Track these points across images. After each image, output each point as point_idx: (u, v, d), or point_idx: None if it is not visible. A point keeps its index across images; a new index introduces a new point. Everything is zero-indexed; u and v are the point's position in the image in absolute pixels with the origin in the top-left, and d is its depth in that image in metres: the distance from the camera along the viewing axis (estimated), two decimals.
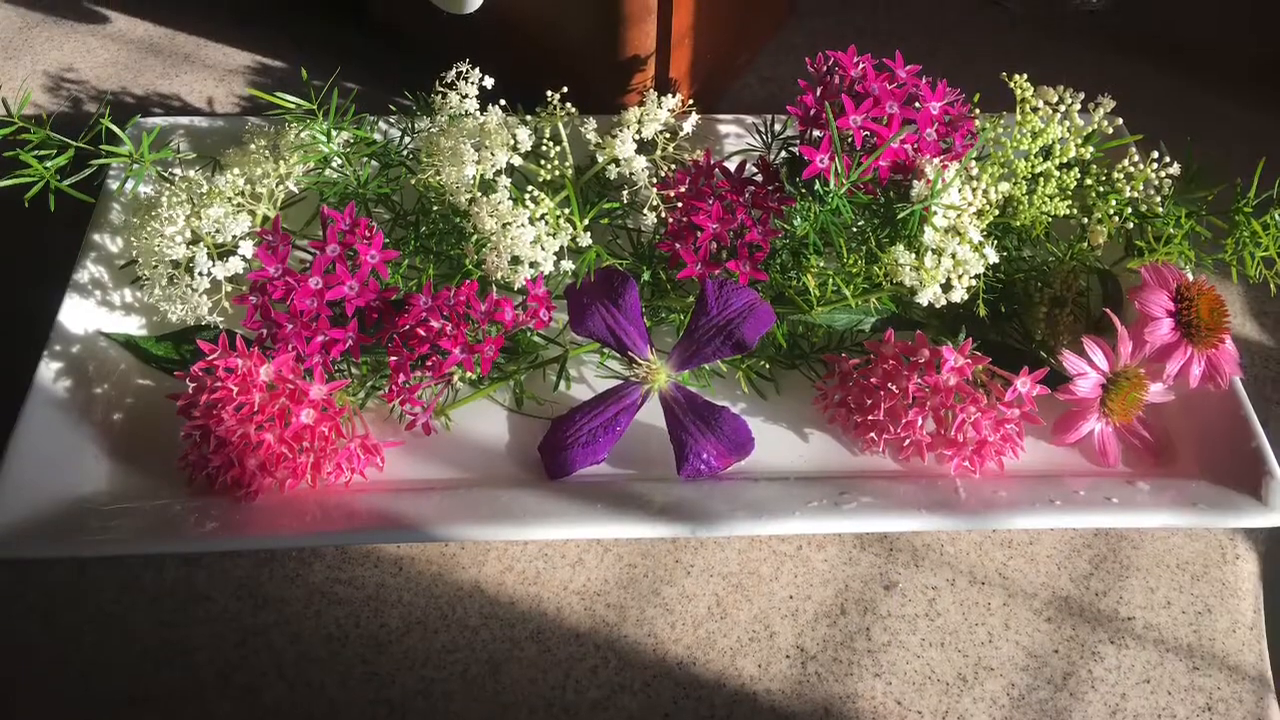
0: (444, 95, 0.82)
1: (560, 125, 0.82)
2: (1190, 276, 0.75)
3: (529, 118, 0.82)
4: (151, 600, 0.68)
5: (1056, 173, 0.79)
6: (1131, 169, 0.80)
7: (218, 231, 0.74)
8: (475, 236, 0.75)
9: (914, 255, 0.71)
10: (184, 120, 0.89)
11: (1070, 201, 0.79)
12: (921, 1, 1.15)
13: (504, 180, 0.75)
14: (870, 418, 0.71)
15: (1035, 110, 0.80)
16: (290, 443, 0.68)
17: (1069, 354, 0.72)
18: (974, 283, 0.72)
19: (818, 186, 0.75)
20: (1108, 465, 0.74)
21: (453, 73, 0.82)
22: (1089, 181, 0.80)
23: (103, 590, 0.68)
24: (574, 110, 0.82)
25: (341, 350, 0.70)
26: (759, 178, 0.77)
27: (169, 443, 0.71)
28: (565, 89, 0.82)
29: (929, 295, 0.71)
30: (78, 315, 0.76)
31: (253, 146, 0.80)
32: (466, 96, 0.81)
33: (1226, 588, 0.71)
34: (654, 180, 0.80)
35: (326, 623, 0.68)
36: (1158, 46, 1.11)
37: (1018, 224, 0.79)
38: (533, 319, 0.72)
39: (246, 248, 0.73)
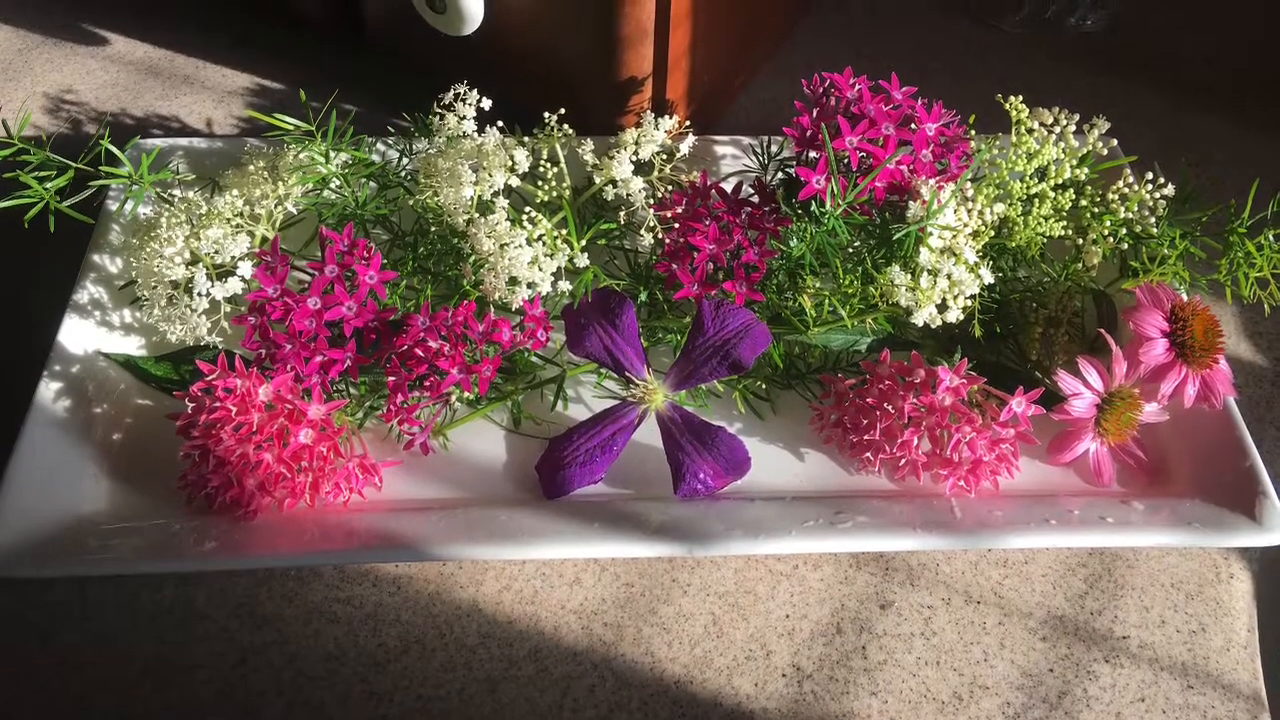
0: (442, 117, 0.82)
1: (558, 146, 0.82)
2: (1185, 297, 0.75)
3: (526, 139, 0.83)
4: (150, 619, 0.68)
5: (1051, 194, 0.79)
6: (1126, 190, 0.80)
7: (216, 252, 0.74)
8: (473, 257, 0.76)
9: (910, 276, 0.72)
10: (183, 141, 0.89)
11: (1065, 222, 0.79)
12: (917, 24, 1.16)
13: (502, 201, 0.76)
14: (866, 437, 0.72)
15: (1030, 131, 0.80)
16: (289, 462, 0.68)
17: (1064, 374, 0.72)
18: (969, 303, 0.72)
19: (814, 207, 0.75)
20: (1102, 485, 0.74)
21: (450, 94, 0.82)
22: (1084, 202, 0.80)
23: (102, 609, 0.69)
24: (571, 131, 0.83)
25: (340, 370, 0.70)
26: (755, 199, 0.77)
27: (168, 462, 0.71)
28: (563, 110, 0.83)
29: (924, 316, 0.71)
30: (77, 335, 0.77)
31: (251, 168, 0.80)
32: (464, 118, 0.82)
33: (1221, 607, 0.71)
34: (651, 201, 0.81)
35: (325, 641, 0.68)
36: (1153, 67, 1.12)
37: (1013, 245, 0.79)
38: (530, 339, 0.72)
39: (245, 268, 0.74)
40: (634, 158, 0.80)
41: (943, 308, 0.72)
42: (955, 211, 0.74)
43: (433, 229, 0.80)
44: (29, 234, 0.76)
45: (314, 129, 0.79)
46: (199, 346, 0.77)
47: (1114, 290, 0.81)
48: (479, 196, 0.76)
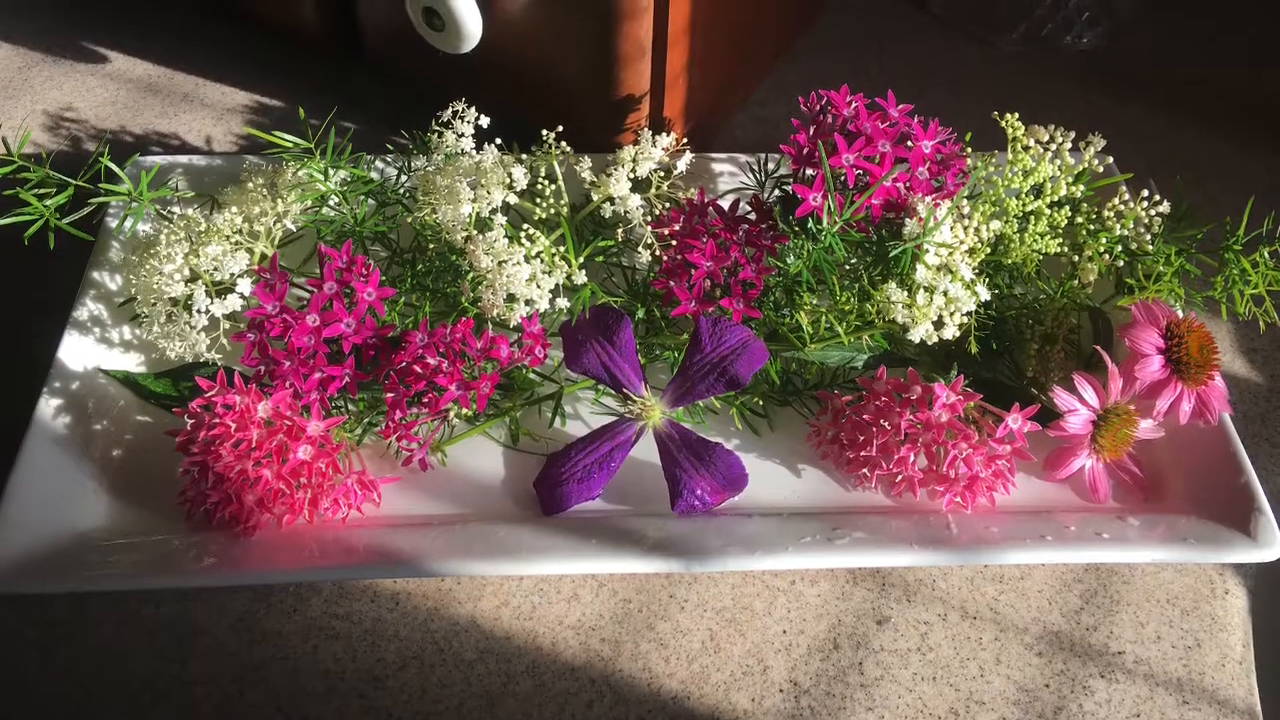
0: (440, 134, 0.83)
1: (556, 164, 0.82)
2: (1180, 314, 0.76)
3: (524, 156, 0.83)
4: (149, 635, 0.68)
5: (1047, 211, 0.80)
6: (1122, 207, 0.80)
7: (216, 269, 0.74)
8: (471, 274, 0.76)
9: (906, 293, 0.72)
10: (182, 159, 0.90)
11: (1061, 239, 0.79)
12: (914, 42, 1.16)
13: (500, 218, 0.76)
14: (863, 454, 0.72)
15: (1026, 149, 0.81)
16: (288, 479, 0.68)
17: (1060, 391, 0.72)
18: (966, 320, 0.72)
19: (811, 224, 0.75)
20: (1098, 501, 0.74)
21: (449, 112, 0.83)
22: (1080, 220, 0.81)
23: (101, 625, 0.69)
24: (569, 149, 0.83)
25: (339, 387, 0.70)
26: (753, 216, 0.77)
27: (168, 479, 0.71)
28: (561, 128, 0.83)
29: (921, 332, 0.71)
30: (77, 352, 0.77)
31: (250, 185, 0.80)
32: (462, 135, 0.82)
33: (1216, 622, 0.72)
34: (649, 218, 0.81)
35: (324, 657, 0.68)
36: (1148, 86, 1.12)
37: (1009, 261, 0.79)
38: (528, 356, 0.72)
39: (244, 285, 0.74)
40: (632, 175, 0.80)
41: (939, 324, 0.72)
42: (951, 228, 0.74)
43: (431, 246, 0.81)
44: (29, 251, 0.76)
45: (313, 146, 0.80)
46: (198, 363, 0.77)
47: (1110, 307, 0.81)
48: (477, 214, 0.77)
